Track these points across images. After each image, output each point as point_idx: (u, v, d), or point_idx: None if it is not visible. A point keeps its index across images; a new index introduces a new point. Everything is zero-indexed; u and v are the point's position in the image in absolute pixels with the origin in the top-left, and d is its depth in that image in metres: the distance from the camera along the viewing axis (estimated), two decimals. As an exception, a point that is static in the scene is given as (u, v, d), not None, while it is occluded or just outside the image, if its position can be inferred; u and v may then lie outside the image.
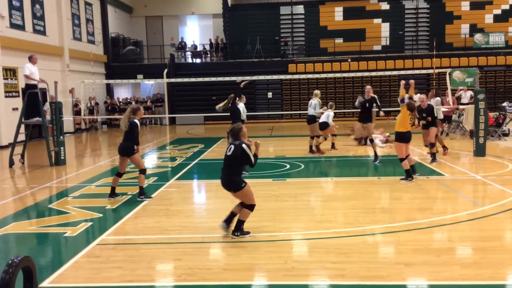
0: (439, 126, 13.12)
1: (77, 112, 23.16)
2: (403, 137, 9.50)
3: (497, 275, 4.85)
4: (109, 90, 28.79)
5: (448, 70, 14.04)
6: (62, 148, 12.91)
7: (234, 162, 6.18)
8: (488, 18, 29.07)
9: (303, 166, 11.69)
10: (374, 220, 6.85)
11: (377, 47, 28.97)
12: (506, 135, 15.85)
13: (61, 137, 12.91)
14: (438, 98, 13.65)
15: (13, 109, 18.22)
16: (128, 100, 28.49)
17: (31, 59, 13.11)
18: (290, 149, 14.92)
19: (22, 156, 13.29)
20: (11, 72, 18.73)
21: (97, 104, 25.97)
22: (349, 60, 27.28)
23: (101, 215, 7.58)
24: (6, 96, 18.16)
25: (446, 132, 17.25)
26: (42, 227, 7.21)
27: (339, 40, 28.97)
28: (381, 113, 12.74)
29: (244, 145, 6.13)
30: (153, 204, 8.22)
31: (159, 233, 6.56)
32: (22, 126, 13.42)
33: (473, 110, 12.77)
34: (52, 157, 12.85)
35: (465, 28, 28.96)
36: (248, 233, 6.21)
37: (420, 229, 6.37)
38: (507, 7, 28.97)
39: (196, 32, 34.21)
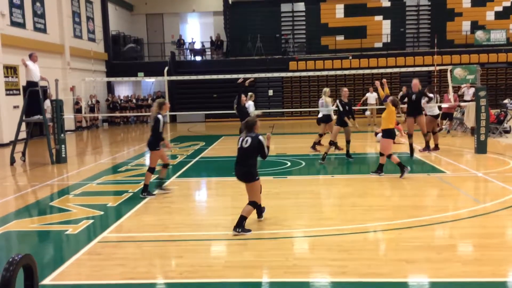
0: (435, 123, 13.07)
1: (78, 110, 23.17)
2: (391, 133, 9.76)
3: (498, 272, 4.85)
4: (110, 88, 28.78)
5: (449, 67, 14.01)
6: (63, 146, 12.92)
7: (251, 154, 6.37)
8: (490, 15, 28.98)
9: (304, 163, 11.69)
10: (375, 217, 6.85)
11: (378, 44, 28.91)
12: (507, 132, 15.84)
13: (62, 135, 12.92)
14: (431, 95, 13.57)
15: (14, 107, 18.23)
16: (129, 98, 28.50)
17: (31, 57, 13.11)
18: (291, 147, 14.91)
19: (23, 154, 13.30)
20: (12, 70, 18.73)
21: (98, 102, 25.98)
22: (350, 57, 27.22)
23: (102, 212, 7.59)
24: (7, 94, 18.16)
25: (448, 129, 17.24)
26: (44, 224, 7.23)
27: (340, 38, 28.92)
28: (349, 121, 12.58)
29: (260, 137, 6.36)
30: (154, 202, 8.22)
31: (161, 231, 6.56)
32: (23, 124, 13.42)
33: (474, 107, 12.75)
34: (53, 155, 12.86)
35: (466, 25, 28.89)
36: (249, 230, 6.24)
37: (422, 226, 6.37)
38: (508, 4, 28.88)
39: (197, 29, 34.17)
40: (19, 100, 18.23)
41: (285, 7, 30.44)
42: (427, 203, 7.85)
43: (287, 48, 29.45)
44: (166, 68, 26.79)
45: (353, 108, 12.07)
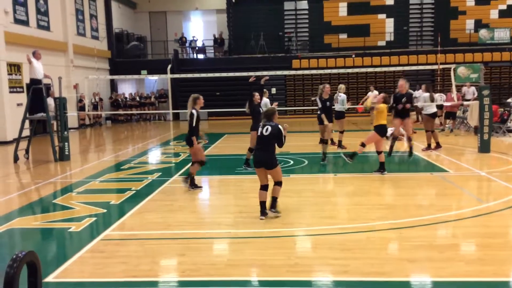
0: (433, 122, 12.96)
1: (81, 108, 23.20)
2: (383, 130, 9.69)
3: (501, 272, 4.84)
4: (113, 85, 28.82)
5: (453, 66, 13.95)
6: (66, 143, 12.95)
7: (271, 141, 6.75)
8: (493, 14, 28.86)
9: (306, 162, 11.69)
10: (377, 216, 6.84)
11: (382, 43, 28.85)
12: (510, 131, 15.79)
13: (66, 132, 12.95)
14: (427, 94, 13.48)
15: (18, 104, 18.27)
16: (133, 96, 28.54)
17: (34, 55, 13.14)
18: (294, 145, 14.89)
19: (27, 151, 13.34)
20: (15, 68, 18.78)
21: (101, 99, 26.02)
22: (353, 55, 27.19)
23: (105, 210, 7.60)
24: (10, 92, 18.22)
25: (451, 128, 17.20)
26: (47, 222, 7.25)
27: (343, 36, 28.86)
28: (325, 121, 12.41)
29: (280, 126, 6.72)
30: (157, 200, 8.24)
31: (163, 229, 6.57)
32: (27, 122, 13.46)
33: (477, 106, 12.72)
34: (56, 153, 12.89)
35: (470, 24, 28.77)
36: (279, 212, 6.84)
37: (424, 225, 6.37)
38: (512, 2, 28.80)
39: (200, 27, 34.17)
40: (23, 98, 18.28)
41: (288, 5, 30.39)
42: (430, 202, 7.83)
43: (290, 46, 29.41)
44: (169, 66, 26.79)
45: (355, 107, 11.92)
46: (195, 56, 30.85)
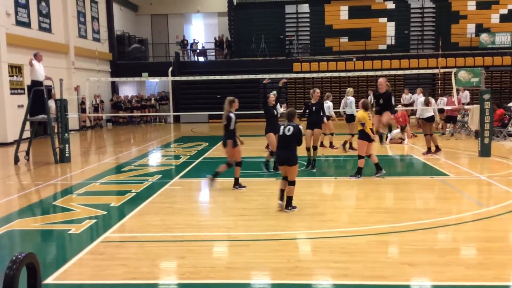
0: (430, 126, 12.95)
1: (83, 110, 23.23)
2: (367, 135, 9.63)
3: (502, 276, 4.83)
4: (114, 88, 28.85)
5: (454, 70, 13.97)
6: (67, 145, 12.95)
7: (292, 141, 7.27)
8: (494, 18, 28.89)
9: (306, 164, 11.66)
10: (378, 220, 6.83)
11: (383, 47, 28.86)
12: (511, 135, 15.77)
13: (66, 134, 12.96)
14: (422, 99, 13.50)
15: (19, 106, 18.29)
16: (137, 98, 28.58)
17: (36, 57, 13.16)
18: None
19: (27, 153, 13.34)
20: (16, 69, 18.81)
21: (102, 101, 26.05)
22: (354, 59, 27.20)
23: (105, 212, 7.60)
24: (11, 93, 18.23)
25: (451, 132, 17.20)
26: (47, 224, 7.25)
27: (344, 39, 28.89)
28: (325, 119, 12.19)
29: (300, 126, 7.32)
30: (157, 202, 8.24)
31: (163, 231, 6.57)
32: (28, 123, 13.48)
33: (478, 110, 12.71)
34: (57, 155, 12.89)
35: (471, 28, 28.79)
36: (295, 207, 7.33)
37: (425, 229, 6.35)
38: (513, 7, 28.83)
39: (201, 30, 34.23)
40: (24, 99, 18.30)
41: (289, 8, 30.46)
42: (430, 206, 7.82)
43: (291, 50, 29.44)
44: (170, 69, 26.84)
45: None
46: (196, 59, 30.88)
